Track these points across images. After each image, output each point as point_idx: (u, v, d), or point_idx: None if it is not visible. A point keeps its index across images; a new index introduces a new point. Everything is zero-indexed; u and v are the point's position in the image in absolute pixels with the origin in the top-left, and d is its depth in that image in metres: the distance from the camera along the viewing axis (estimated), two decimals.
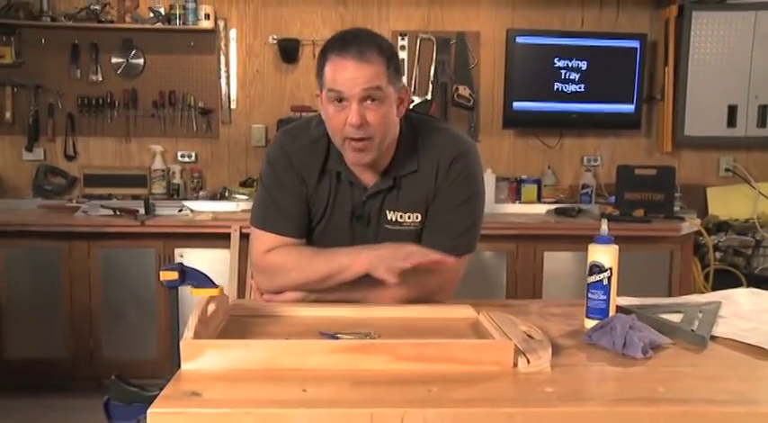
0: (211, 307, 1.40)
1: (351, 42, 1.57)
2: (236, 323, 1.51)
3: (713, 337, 1.46)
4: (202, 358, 1.23)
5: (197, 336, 1.27)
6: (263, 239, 1.76)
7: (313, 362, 1.24)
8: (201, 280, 1.39)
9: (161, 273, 1.38)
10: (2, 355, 3.63)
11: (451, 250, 1.71)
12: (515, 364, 1.26)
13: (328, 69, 1.59)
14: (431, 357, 1.25)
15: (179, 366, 1.27)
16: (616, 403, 1.14)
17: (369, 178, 1.73)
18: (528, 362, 1.26)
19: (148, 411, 1.06)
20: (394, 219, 1.74)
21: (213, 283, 1.39)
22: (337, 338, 1.38)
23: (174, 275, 1.37)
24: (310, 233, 1.79)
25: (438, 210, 1.73)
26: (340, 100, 1.58)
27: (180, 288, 1.42)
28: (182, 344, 1.24)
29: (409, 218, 1.75)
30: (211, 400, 1.10)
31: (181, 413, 1.06)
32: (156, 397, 1.22)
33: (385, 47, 1.61)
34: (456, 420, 1.08)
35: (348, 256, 1.65)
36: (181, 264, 1.38)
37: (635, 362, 1.31)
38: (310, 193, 1.75)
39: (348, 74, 1.56)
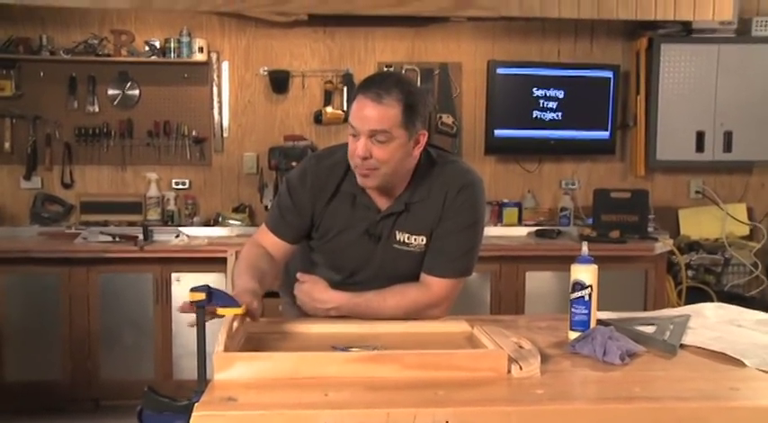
0: (235, 324, 1.55)
1: (374, 85, 1.76)
2: (253, 340, 1.66)
3: (682, 346, 1.64)
4: (233, 369, 1.38)
5: (227, 349, 1.42)
6: (261, 232, 2.03)
7: (331, 371, 1.40)
8: (227, 300, 1.53)
9: (189, 293, 1.51)
10: (2, 378, 3.71)
11: (449, 271, 1.89)
12: (509, 371, 1.43)
13: (353, 104, 1.79)
14: (435, 365, 1.42)
15: (205, 378, 1.42)
16: (598, 402, 1.32)
17: (382, 202, 1.91)
18: (520, 368, 1.42)
19: (193, 414, 1.21)
20: (402, 240, 1.92)
21: (237, 302, 1.54)
22: (348, 352, 1.53)
23: (201, 296, 1.50)
24: (327, 245, 1.98)
25: (441, 234, 1.90)
26: (354, 134, 1.77)
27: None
28: (214, 357, 1.39)
29: (415, 240, 1.92)
30: (247, 404, 1.26)
31: (223, 415, 1.22)
32: (184, 407, 1.37)
33: (405, 93, 1.76)
34: (461, 419, 1.24)
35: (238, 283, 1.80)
36: (207, 285, 1.51)
37: (614, 367, 1.49)
38: (320, 210, 1.94)
39: (363, 113, 1.74)
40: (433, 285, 1.90)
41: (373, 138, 1.75)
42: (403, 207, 1.90)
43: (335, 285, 1.93)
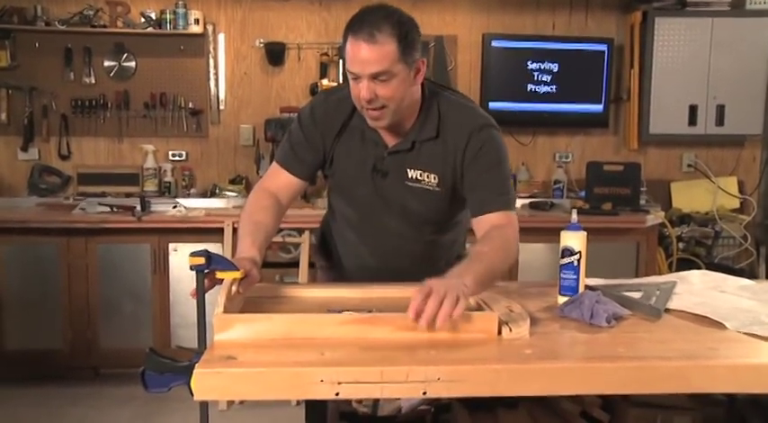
0: (234, 288, 1.59)
1: (364, 24, 1.70)
2: (251, 303, 1.71)
3: (667, 310, 1.69)
4: (232, 330, 1.43)
5: (226, 311, 1.47)
6: (271, 171, 2.03)
7: (327, 332, 1.44)
8: (225, 264, 1.57)
9: (189, 258, 1.54)
10: (2, 346, 3.78)
11: (501, 204, 1.84)
12: (499, 332, 1.47)
13: (347, 48, 1.74)
14: (428, 327, 1.46)
15: (204, 341, 1.46)
16: (584, 361, 1.37)
17: (390, 138, 1.91)
18: (510, 330, 1.47)
19: (195, 371, 1.26)
20: (414, 176, 1.92)
21: (236, 267, 1.58)
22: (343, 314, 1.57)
23: (200, 261, 1.53)
24: (339, 183, 2.01)
25: (475, 174, 1.85)
26: (355, 77, 1.76)
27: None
28: (214, 318, 1.43)
29: (428, 177, 1.91)
30: (246, 362, 1.30)
31: (222, 372, 1.27)
32: (185, 367, 1.41)
33: (397, 26, 1.71)
34: (453, 376, 1.29)
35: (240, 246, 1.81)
36: (206, 250, 1.55)
37: (600, 330, 1.54)
38: (330, 144, 1.95)
39: (360, 56, 1.70)
40: (503, 219, 1.83)
41: (376, 79, 1.73)
42: (410, 145, 1.89)
43: (354, 226, 2.01)
